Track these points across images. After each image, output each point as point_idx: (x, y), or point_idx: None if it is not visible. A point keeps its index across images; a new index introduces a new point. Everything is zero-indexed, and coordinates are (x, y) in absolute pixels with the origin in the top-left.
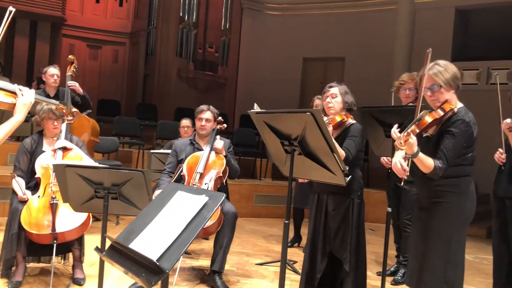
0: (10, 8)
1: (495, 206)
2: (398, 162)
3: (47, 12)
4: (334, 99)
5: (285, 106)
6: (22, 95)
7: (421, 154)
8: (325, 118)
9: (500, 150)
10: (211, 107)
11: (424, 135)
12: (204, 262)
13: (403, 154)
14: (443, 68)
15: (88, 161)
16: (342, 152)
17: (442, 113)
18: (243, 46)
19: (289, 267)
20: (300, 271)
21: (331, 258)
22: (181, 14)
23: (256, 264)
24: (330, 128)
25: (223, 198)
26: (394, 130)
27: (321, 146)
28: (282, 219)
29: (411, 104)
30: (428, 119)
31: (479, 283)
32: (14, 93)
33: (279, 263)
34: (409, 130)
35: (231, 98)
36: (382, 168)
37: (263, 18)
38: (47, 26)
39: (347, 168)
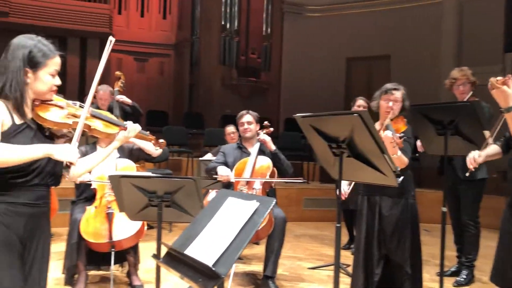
0: (110, 38)
1: None
2: (473, 155)
3: (96, 29)
4: (396, 103)
5: (331, 108)
6: (127, 129)
7: None
8: (387, 121)
9: None
10: (249, 111)
11: None
12: (256, 267)
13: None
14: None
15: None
16: (405, 160)
17: None
18: (285, 50)
19: (343, 271)
20: None
21: (385, 261)
22: (222, 23)
23: (308, 269)
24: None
25: (274, 203)
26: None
27: (370, 148)
28: (332, 222)
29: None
30: None
31: None
32: (115, 124)
33: (332, 267)
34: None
35: (275, 102)
36: (434, 167)
37: (304, 21)
38: (96, 42)
39: (398, 169)
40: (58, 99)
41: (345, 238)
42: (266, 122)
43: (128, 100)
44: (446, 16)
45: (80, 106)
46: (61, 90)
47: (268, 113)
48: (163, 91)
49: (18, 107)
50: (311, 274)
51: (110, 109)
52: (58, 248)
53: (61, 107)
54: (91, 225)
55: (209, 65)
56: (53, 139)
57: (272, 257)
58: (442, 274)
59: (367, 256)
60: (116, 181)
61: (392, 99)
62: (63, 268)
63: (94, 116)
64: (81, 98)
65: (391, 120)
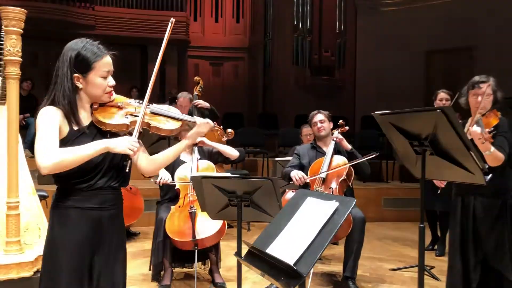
0: (172, 19)
1: None
2: None
3: (174, 36)
4: (486, 97)
5: (410, 105)
6: (196, 124)
7: None
8: (477, 116)
9: None
10: (320, 110)
11: None
12: (336, 268)
13: None
14: None
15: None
16: (501, 156)
17: None
18: (360, 47)
19: (427, 273)
20: (437, 276)
21: (484, 266)
22: (295, 23)
23: (390, 270)
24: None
25: (354, 203)
26: None
27: (455, 145)
28: (413, 222)
29: None
30: None
31: None
32: (177, 119)
33: (414, 269)
34: None
35: (350, 101)
36: None
37: (379, 15)
38: (174, 50)
39: (486, 166)
40: (118, 99)
41: (428, 239)
42: (341, 121)
43: (206, 104)
44: None
45: (138, 103)
46: (143, 96)
47: (343, 112)
48: (238, 93)
49: (68, 115)
50: (393, 276)
51: (190, 114)
52: (145, 246)
53: (120, 107)
54: (176, 224)
55: (282, 65)
56: None
57: (351, 257)
58: None
59: (463, 260)
60: (198, 181)
61: (481, 93)
62: (150, 265)
63: (153, 113)
64: (162, 103)
65: (483, 115)
